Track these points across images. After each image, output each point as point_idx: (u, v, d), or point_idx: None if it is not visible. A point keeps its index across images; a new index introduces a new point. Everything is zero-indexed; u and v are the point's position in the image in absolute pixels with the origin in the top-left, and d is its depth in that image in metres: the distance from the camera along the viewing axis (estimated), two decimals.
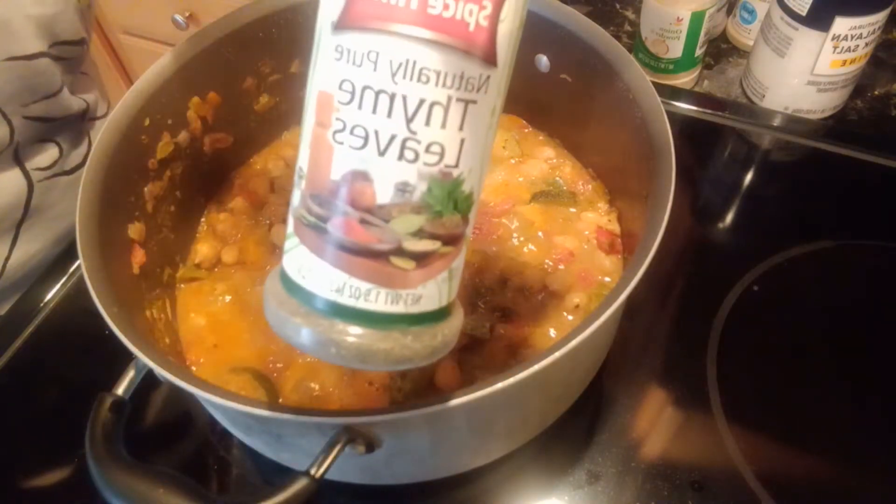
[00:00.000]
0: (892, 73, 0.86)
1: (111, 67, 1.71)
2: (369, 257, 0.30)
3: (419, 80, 0.28)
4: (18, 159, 0.70)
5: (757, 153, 0.79)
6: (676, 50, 0.82)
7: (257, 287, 0.59)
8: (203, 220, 0.65)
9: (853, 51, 0.74)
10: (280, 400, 0.53)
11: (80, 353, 0.65)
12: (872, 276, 0.67)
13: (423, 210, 0.30)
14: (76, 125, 0.77)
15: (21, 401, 0.63)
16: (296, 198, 0.32)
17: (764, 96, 0.82)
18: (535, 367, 0.38)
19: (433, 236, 0.31)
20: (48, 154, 0.73)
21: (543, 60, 0.61)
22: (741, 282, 0.65)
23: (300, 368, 0.54)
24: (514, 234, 0.61)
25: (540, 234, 0.61)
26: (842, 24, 0.71)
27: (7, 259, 0.73)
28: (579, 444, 0.56)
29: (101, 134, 0.51)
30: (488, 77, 0.30)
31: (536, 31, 0.59)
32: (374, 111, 0.29)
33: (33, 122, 0.69)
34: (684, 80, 0.86)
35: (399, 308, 0.31)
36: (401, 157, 0.29)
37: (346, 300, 0.31)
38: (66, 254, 0.71)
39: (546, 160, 0.66)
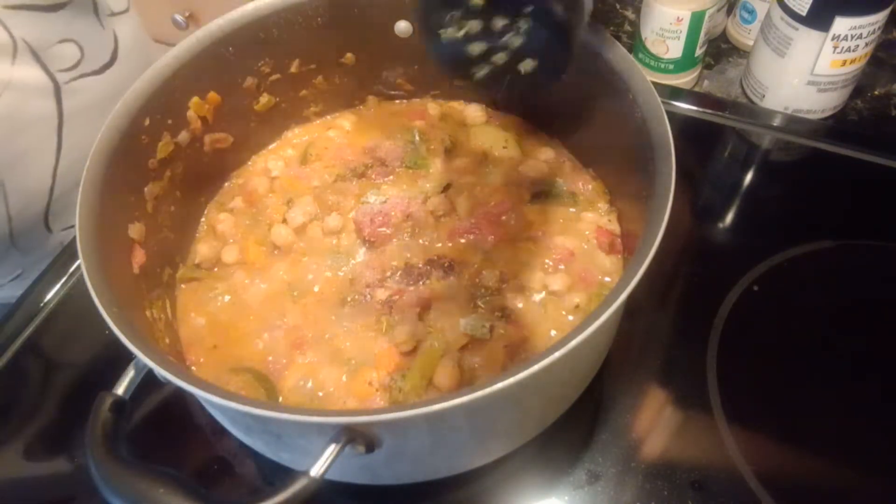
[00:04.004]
0: (892, 73, 0.86)
1: None
2: None
3: None
4: (40, 61, 0.69)
5: (757, 153, 0.79)
6: (676, 50, 0.82)
7: (257, 287, 0.59)
8: (203, 220, 0.65)
9: (853, 51, 0.74)
10: (280, 400, 0.53)
11: (80, 353, 0.65)
12: (872, 276, 0.67)
13: None
14: (89, 19, 0.75)
15: (21, 400, 0.63)
16: None
17: (764, 96, 0.82)
18: (535, 367, 0.38)
19: None
20: (67, 54, 0.72)
21: None
22: (741, 282, 0.65)
23: (300, 368, 0.54)
24: (514, 235, 0.61)
25: (540, 234, 0.61)
26: (842, 24, 0.71)
27: (56, 167, 0.73)
28: (579, 444, 0.56)
29: (102, 134, 0.51)
30: None
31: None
32: None
33: (29, 13, 0.67)
34: (684, 80, 0.86)
35: None
36: None
37: None
38: (66, 254, 0.71)
39: (546, 160, 0.66)
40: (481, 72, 0.48)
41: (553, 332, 0.55)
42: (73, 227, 0.73)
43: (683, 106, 0.80)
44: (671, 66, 0.84)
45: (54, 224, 0.78)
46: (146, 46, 0.86)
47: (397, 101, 0.73)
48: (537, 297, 0.57)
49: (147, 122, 0.55)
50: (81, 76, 0.74)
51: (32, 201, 0.74)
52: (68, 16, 0.72)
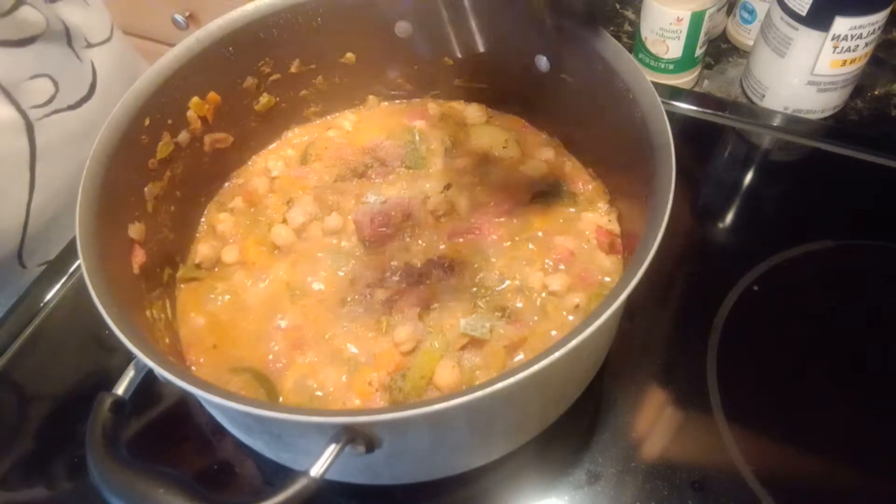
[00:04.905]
0: (892, 73, 0.86)
1: None
2: None
3: None
4: (11, 98, 0.67)
5: (757, 153, 0.79)
6: (676, 50, 0.82)
7: (257, 287, 0.59)
8: (203, 220, 0.65)
9: (853, 51, 0.74)
10: (280, 400, 0.53)
11: (80, 353, 0.65)
12: (872, 276, 0.67)
13: None
14: (64, 53, 0.73)
15: (21, 401, 0.63)
16: None
17: (764, 96, 0.82)
18: (535, 367, 0.38)
19: None
20: (40, 89, 0.70)
21: (543, 60, 0.61)
22: (741, 282, 0.65)
23: (300, 368, 0.54)
24: (514, 234, 0.61)
25: (540, 234, 0.61)
26: (842, 24, 0.71)
27: (29, 203, 0.71)
28: (579, 444, 0.56)
29: (102, 134, 0.51)
30: None
31: (536, 31, 0.59)
32: None
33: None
34: (684, 80, 0.86)
35: None
36: None
37: None
38: (66, 254, 0.71)
39: (546, 160, 0.66)
40: None
41: (553, 332, 0.55)
42: (48, 262, 0.71)
43: (683, 106, 0.80)
44: (671, 66, 0.84)
45: (29, 260, 0.75)
46: (131, 73, 0.82)
47: (397, 101, 0.73)
48: (537, 297, 0.57)
49: (147, 122, 0.55)
50: (56, 112, 0.71)
51: (4, 239, 0.72)
52: (40, 50, 0.69)
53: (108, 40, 0.80)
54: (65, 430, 0.60)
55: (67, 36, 0.73)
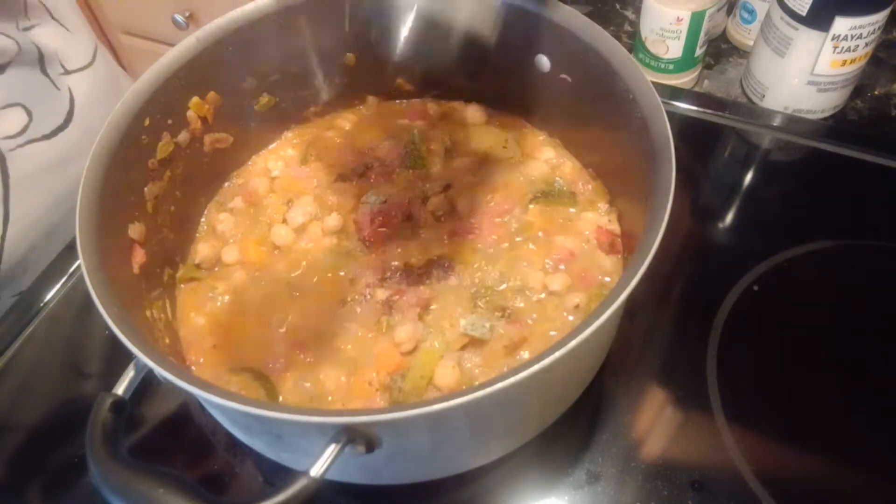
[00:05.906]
0: (892, 73, 0.86)
1: None
2: None
3: None
4: None
5: (757, 153, 0.79)
6: (676, 50, 0.82)
7: (257, 287, 0.59)
8: (203, 220, 0.65)
9: (853, 51, 0.74)
10: (280, 400, 0.53)
11: (80, 353, 0.65)
12: (872, 276, 0.67)
13: None
14: (38, 80, 0.70)
15: (21, 401, 0.63)
16: None
17: (764, 96, 0.82)
18: (535, 367, 0.38)
19: None
20: (13, 119, 0.68)
21: (543, 60, 0.61)
22: (741, 282, 0.65)
23: (300, 368, 0.54)
24: (514, 234, 0.61)
25: (540, 234, 0.61)
26: (842, 24, 0.71)
27: (3, 238, 0.69)
28: (579, 444, 0.56)
29: (102, 134, 0.51)
30: None
31: (536, 31, 0.59)
32: None
33: None
34: (684, 80, 0.86)
35: None
36: None
37: None
38: (66, 254, 0.71)
39: (546, 160, 0.66)
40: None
41: (553, 332, 0.55)
42: (22, 293, 0.70)
43: (683, 106, 0.80)
44: (671, 66, 0.84)
45: (3, 292, 0.73)
46: (114, 98, 0.76)
47: (397, 101, 0.73)
48: (537, 297, 0.57)
49: (147, 122, 0.55)
50: (29, 142, 0.69)
51: None
52: (12, 79, 0.68)
53: (89, 65, 0.78)
54: (64, 430, 0.60)
55: (41, 63, 0.71)
